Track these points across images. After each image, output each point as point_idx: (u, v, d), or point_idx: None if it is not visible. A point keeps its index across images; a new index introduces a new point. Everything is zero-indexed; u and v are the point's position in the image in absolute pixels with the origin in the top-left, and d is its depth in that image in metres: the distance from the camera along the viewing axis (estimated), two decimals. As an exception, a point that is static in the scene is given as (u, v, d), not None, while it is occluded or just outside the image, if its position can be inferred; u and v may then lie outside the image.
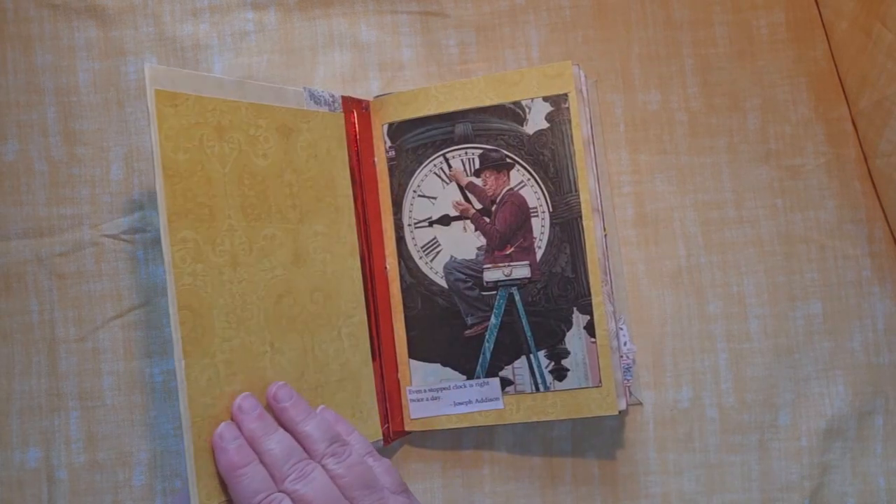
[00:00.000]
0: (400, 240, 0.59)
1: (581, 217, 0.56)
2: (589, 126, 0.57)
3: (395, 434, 0.57)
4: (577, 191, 0.56)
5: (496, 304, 0.57)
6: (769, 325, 0.61)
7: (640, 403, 0.59)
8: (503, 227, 0.57)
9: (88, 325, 0.58)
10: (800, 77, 0.62)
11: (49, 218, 0.59)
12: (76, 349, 0.58)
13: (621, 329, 0.58)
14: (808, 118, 0.62)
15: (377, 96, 0.60)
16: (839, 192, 0.61)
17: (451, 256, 0.58)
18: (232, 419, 0.47)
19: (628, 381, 0.57)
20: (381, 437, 0.56)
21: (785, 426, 0.60)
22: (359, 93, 0.61)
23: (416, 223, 0.59)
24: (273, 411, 0.49)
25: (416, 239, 0.59)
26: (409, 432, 0.58)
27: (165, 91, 0.46)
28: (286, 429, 0.48)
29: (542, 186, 0.57)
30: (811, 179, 0.61)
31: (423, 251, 0.59)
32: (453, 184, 0.58)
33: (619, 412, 0.55)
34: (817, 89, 0.62)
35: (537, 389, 0.56)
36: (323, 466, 0.46)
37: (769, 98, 0.62)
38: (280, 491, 0.45)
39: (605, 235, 0.57)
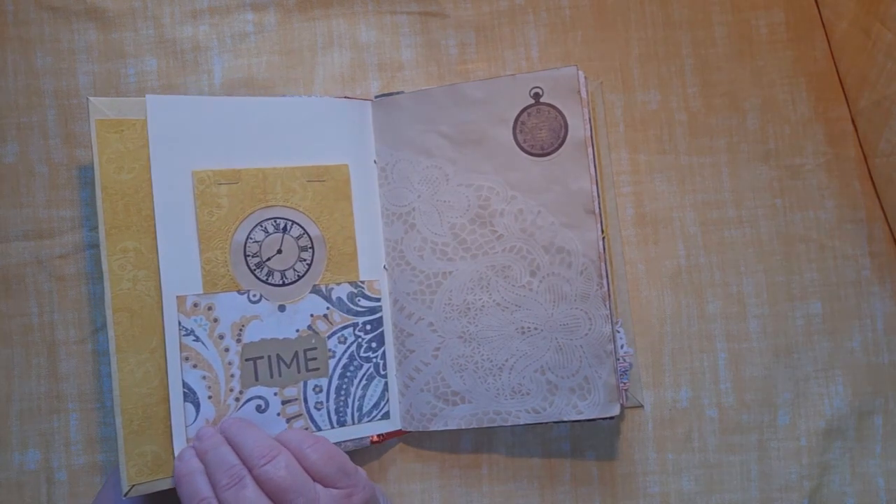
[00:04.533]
0: None
1: (579, 218, 0.56)
2: (588, 128, 0.57)
3: (392, 433, 0.58)
4: (575, 192, 0.56)
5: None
6: (768, 324, 0.60)
7: (641, 406, 0.59)
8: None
9: (88, 327, 0.58)
10: (799, 77, 0.62)
11: (49, 220, 0.59)
12: (76, 351, 0.58)
13: (618, 332, 0.58)
14: (807, 118, 0.62)
15: (377, 96, 0.60)
16: (839, 191, 0.61)
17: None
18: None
19: (625, 383, 0.57)
20: (368, 436, 0.56)
21: (784, 426, 0.60)
22: (359, 93, 0.61)
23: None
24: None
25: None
26: (407, 432, 0.58)
27: (108, 120, 0.52)
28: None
29: (541, 187, 0.57)
30: (811, 179, 0.61)
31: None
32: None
33: (615, 415, 0.55)
34: (817, 89, 0.62)
35: (534, 391, 0.56)
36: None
37: (769, 98, 0.62)
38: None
39: (604, 238, 0.56)
